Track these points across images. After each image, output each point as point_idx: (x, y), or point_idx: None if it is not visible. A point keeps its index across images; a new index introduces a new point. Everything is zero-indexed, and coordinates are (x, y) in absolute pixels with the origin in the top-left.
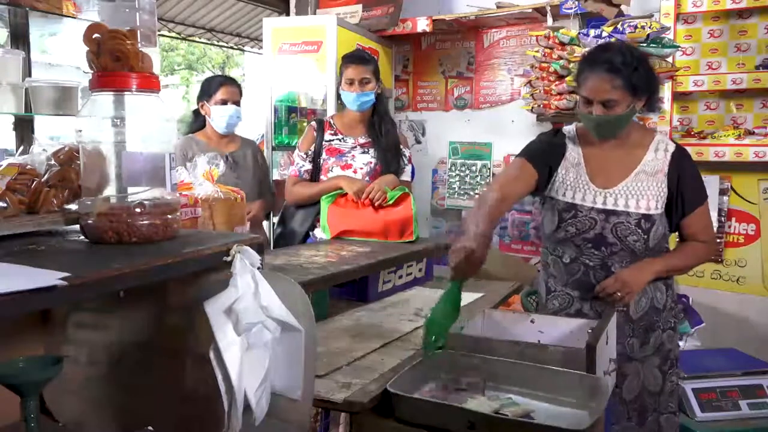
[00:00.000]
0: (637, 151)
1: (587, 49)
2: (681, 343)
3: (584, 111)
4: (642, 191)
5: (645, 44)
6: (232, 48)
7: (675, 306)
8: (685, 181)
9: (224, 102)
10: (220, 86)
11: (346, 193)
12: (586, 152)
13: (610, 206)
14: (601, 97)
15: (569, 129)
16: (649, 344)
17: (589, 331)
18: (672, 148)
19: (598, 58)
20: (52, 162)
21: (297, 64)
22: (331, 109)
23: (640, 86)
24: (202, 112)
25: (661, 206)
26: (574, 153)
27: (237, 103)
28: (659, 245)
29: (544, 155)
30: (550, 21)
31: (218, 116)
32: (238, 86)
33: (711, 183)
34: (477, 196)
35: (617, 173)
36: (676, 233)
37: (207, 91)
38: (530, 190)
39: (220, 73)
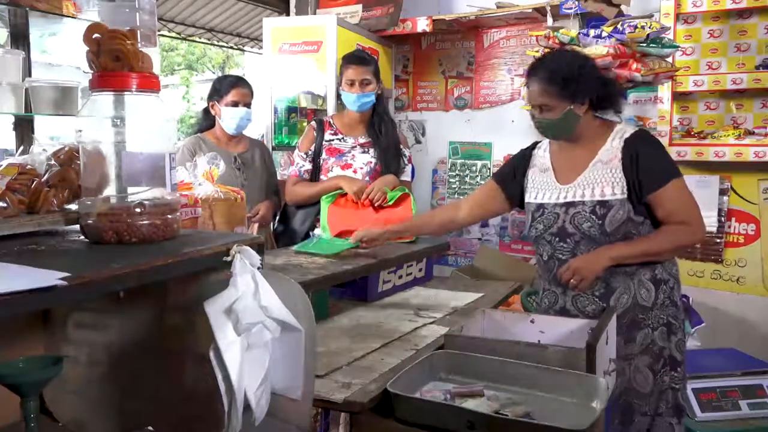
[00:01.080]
0: (597, 143)
1: (587, 49)
2: None
3: (533, 114)
4: (597, 180)
5: (645, 44)
6: (232, 48)
7: (673, 304)
8: (639, 163)
9: (235, 104)
10: (232, 87)
11: (346, 193)
12: (553, 156)
13: (569, 198)
14: (536, 101)
15: (545, 140)
16: (636, 342)
17: (589, 331)
18: (628, 134)
19: (536, 66)
20: (52, 162)
21: (297, 64)
22: (331, 109)
23: (577, 91)
24: (212, 112)
25: (619, 191)
26: (543, 159)
27: (248, 105)
28: (621, 230)
29: (510, 171)
30: (550, 21)
31: (229, 117)
32: (250, 88)
33: (711, 183)
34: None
35: (577, 168)
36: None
37: (218, 91)
38: (500, 205)
39: (233, 74)
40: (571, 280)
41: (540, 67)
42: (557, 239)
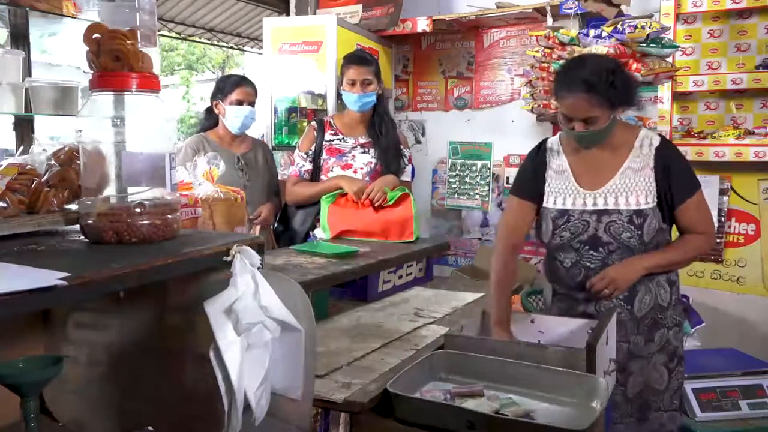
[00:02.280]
0: (623, 149)
1: (587, 49)
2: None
3: (565, 125)
4: (630, 188)
5: (645, 44)
6: (232, 48)
7: (680, 303)
8: (672, 173)
9: (240, 102)
10: (236, 86)
11: (347, 193)
12: (571, 159)
13: (600, 206)
14: (581, 116)
15: (553, 140)
16: (654, 341)
17: (589, 331)
18: (657, 141)
19: (574, 77)
20: (52, 162)
21: (297, 64)
22: (331, 109)
23: (619, 99)
24: (216, 111)
25: (651, 200)
26: (558, 162)
27: (252, 104)
28: (655, 240)
29: (531, 182)
30: (550, 21)
31: (233, 116)
32: (254, 87)
33: (711, 183)
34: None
35: (604, 174)
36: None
37: (222, 89)
38: (533, 215)
39: (237, 73)
40: (606, 290)
41: (578, 78)
42: (587, 247)
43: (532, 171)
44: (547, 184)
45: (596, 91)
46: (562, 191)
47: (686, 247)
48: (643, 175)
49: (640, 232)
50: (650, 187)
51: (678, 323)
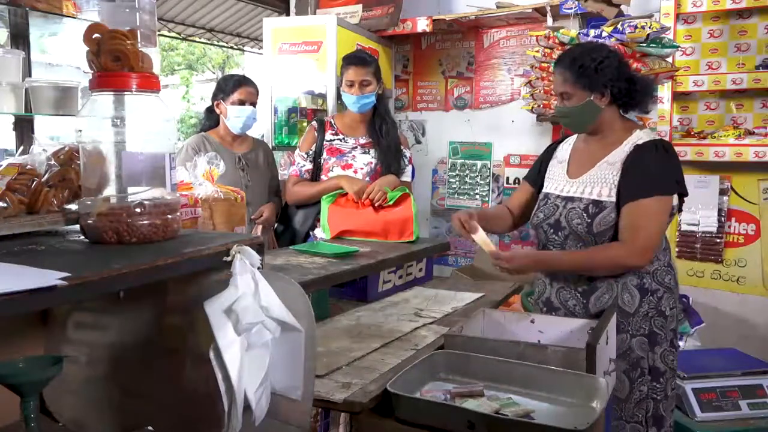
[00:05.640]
0: (614, 145)
1: None
2: (681, 343)
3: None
4: (599, 180)
5: (645, 44)
6: (232, 48)
7: (660, 314)
8: (630, 171)
9: (242, 102)
10: (239, 86)
11: (347, 193)
12: (573, 150)
13: (570, 193)
14: (556, 89)
15: (573, 136)
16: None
17: (589, 331)
18: (642, 141)
19: (562, 55)
20: (52, 162)
21: (297, 64)
22: (331, 109)
23: (595, 81)
24: (217, 111)
25: (613, 194)
26: (564, 152)
27: (254, 105)
28: (606, 234)
29: (535, 168)
30: (550, 21)
31: (234, 116)
32: (255, 87)
33: (711, 183)
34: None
35: (586, 165)
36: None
37: (224, 89)
38: (529, 199)
39: (238, 73)
40: (501, 263)
41: (565, 55)
42: (552, 230)
43: (539, 161)
44: (548, 172)
45: (571, 68)
46: (554, 178)
47: (599, 254)
48: (614, 170)
49: (590, 221)
50: (615, 181)
51: (648, 334)
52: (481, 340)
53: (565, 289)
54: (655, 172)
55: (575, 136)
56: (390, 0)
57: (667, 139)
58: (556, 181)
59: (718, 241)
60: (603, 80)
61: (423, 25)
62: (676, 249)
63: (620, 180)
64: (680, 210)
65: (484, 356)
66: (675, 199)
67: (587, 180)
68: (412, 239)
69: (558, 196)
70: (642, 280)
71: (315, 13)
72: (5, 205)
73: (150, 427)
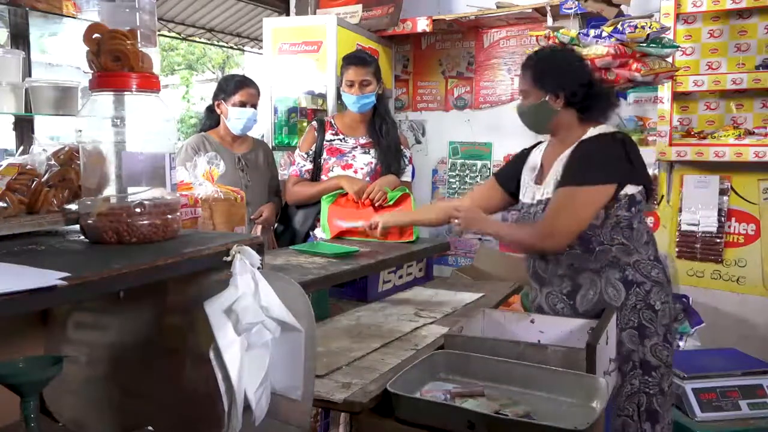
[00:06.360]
0: (570, 145)
1: (587, 49)
2: (681, 343)
3: None
4: (551, 179)
5: (645, 44)
6: (232, 48)
7: (649, 308)
8: (568, 163)
9: (243, 104)
10: (240, 87)
11: (347, 193)
12: (544, 154)
13: (537, 198)
14: (519, 88)
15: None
16: None
17: (589, 331)
18: (589, 135)
19: (528, 56)
20: (52, 162)
21: (297, 64)
22: (331, 109)
23: (548, 82)
24: (218, 111)
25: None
26: (535, 158)
27: (254, 106)
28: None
29: (509, 169)
30: (550, 21)
31: (235, 118)
32: (257, 88)
33: (711, 183)
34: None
35: (547, 167)
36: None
37: (225, 90)
38: (499, 202)
39: (238, 73)
40: (458, 221)
41: (531, 56)
42: None
43: (515, 158)
44: (521, 181)
45: (526, 65)
46: (526, 186)
47: (517, 232)
48: (560, 166)
49: None
50: (558, 177)
51: (637, 327)
52: (481, 340)
53: (552, 293)
54: (590, 162)
55: (546, 141)
56: (390, 0)
57: (666, 139)
58: (529, 189)
59: (718, 241)
60: (559, 82)
61: (423, 25)
62: (676, 249)
63: (561, 173)
64: (647, 200)
65: (484, 356)
66: (635, 188)
67: (548, 181)
68: (412, 239)
69: (531, 204)
70: (624, 272)
71: (315, 13)
72: (5, 205)
73: (150, 427)
